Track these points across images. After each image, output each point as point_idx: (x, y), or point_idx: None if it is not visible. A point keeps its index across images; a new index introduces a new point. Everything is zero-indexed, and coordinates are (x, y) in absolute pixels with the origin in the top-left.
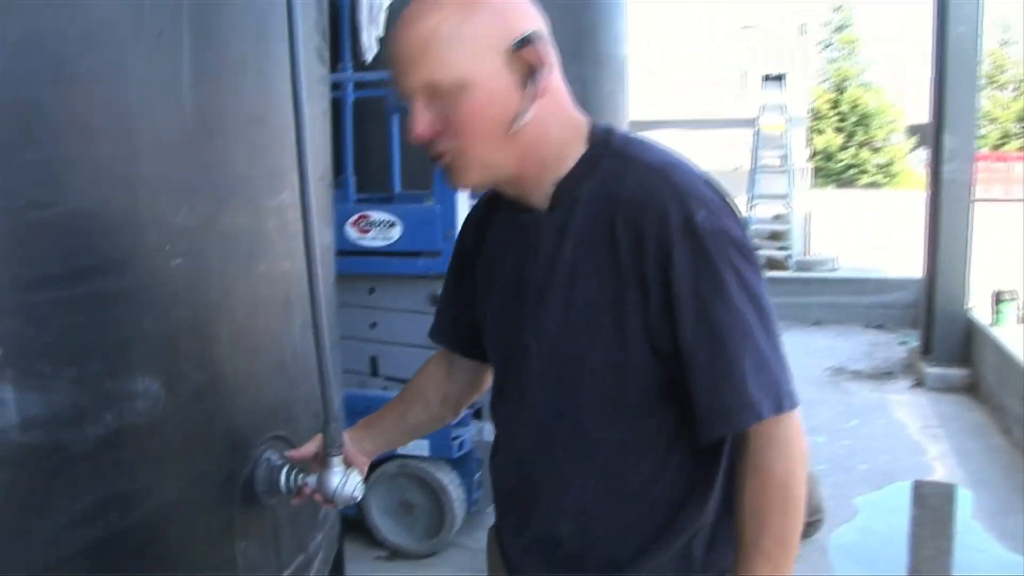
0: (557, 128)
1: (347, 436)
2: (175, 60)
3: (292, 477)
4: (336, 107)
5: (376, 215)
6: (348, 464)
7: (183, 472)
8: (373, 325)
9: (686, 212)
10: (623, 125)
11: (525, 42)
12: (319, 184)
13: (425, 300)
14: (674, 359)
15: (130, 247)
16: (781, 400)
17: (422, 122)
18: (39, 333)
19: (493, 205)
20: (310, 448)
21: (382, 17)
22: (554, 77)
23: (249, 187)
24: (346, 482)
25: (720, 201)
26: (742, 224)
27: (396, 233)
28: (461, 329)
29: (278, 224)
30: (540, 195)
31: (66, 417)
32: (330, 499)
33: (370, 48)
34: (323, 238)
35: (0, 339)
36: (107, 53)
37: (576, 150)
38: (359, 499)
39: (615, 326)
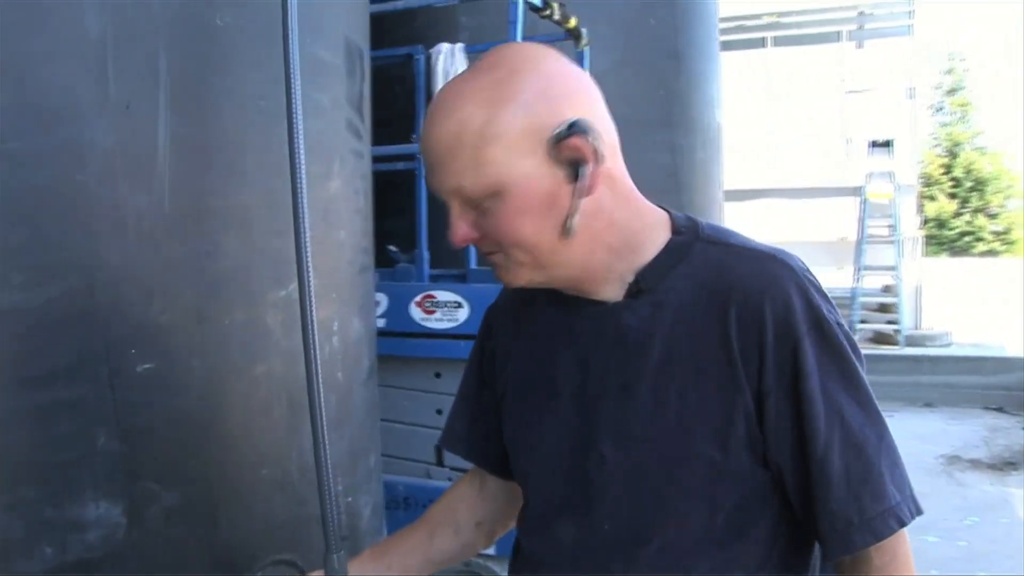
0: (625, 215)
1: (355, 565)
2: (149, 134)
3: None
4: (411, 180)
5: (442, 295)
6: None
7: None
8: (439, 412)
9: (810, 304)
10: (718, 194)
11: (567, 133)
12: (347, 268)
13: None
14: (788, 470)
15: (83, 349)
16: (917, 504)
17: (460, 228)
18: None
19: (528, 297)
20: None
21: None
22: (615, 165)
23: (246, 279)
24: None
25: (823, 289)
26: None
27: (463, 315)
28: (489, 441)
29: (284, 319)
30: (613, 285)
31: None
32: None
33: None
34: (348, 329)
35: None
36: (65, 127)
37: (658, 237)
38: None
39: (719, 430)
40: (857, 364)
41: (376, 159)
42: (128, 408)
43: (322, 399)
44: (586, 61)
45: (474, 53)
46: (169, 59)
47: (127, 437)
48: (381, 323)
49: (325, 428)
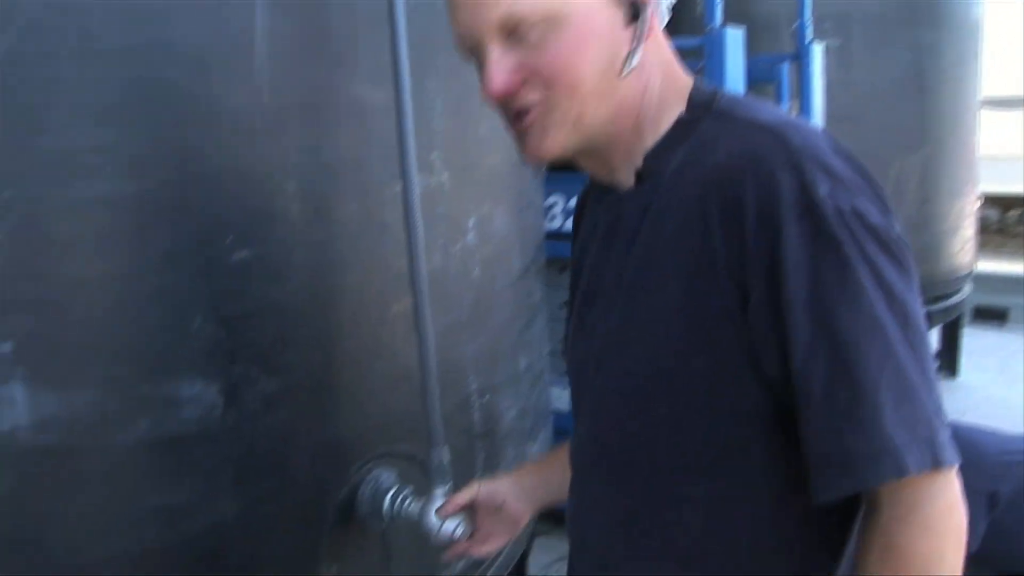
0: (659, 81)
1: (512, 479)
2: (246, 28)
3: (398, 503)
4: None
5: None
6: (505, 511)
7: (248, 488)
8: None
9: (803, 182)
10: (972, 101)
11: None
12: (491, 163)
13: None
14: (785, 385)
15: (177, 239)
16: (936, 450)
17: (501, 71)
18: (57, 328)
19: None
20: (463, 498)
21: None
22: (657, 18)
23: (359, 171)
24: (445, 521)
25: (856, 176)
26: (888, 211)
27: None
28: None
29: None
30: (628, 168)
31: (87, 421)
32: (429, 537)
33: (664, 16)
34: (489, 225)
35: (10, 332)
36: (155, 23)
37: (673, 113)
38: (458, 541)
39: (706, 335)
40: (877, 266)
41: None
42: (225, 295)
43: (426, 290)
44: None
45: None
46: None
47: (224, 322)
48: (555, 224)
49: (429, 319)
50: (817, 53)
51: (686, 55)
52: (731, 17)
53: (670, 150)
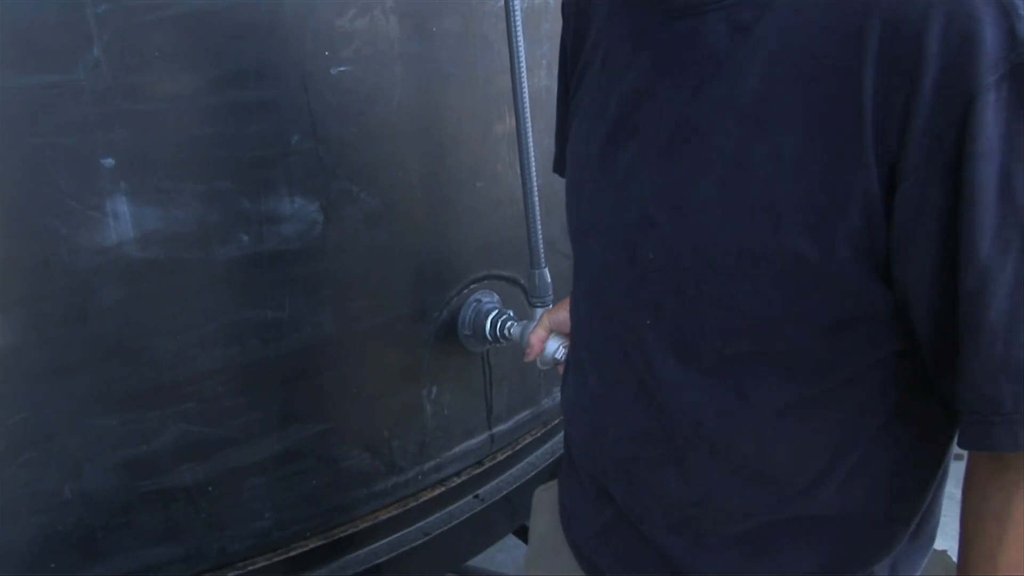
0: None
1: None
2: None
3: (500, 325)
4: None
5: None
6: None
7: (347, 304)
8: None
9: (1013, 38)
10: None
11: None
12: None
13: None
14: (921, 300)
15: (272, 54)
16: None
17: None
18: (158, 143)
19: None
20: (561, 318)
21: None
22: None
23: None
24: (547, 341)
25: None
26: None
27: None
28: None
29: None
30: None
31: (190, 235)
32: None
33: None
34: None
35: (111, 147)
36: None
37: None
38: (561, 362)
39: (821, 216)
40: None
41: None
42: (324, 111)
43: (528, 110)
44: None
45: None
46: None
47: (323, 139)
48: None
49: (531, 139)
50: None
51: None
52: None
53: None
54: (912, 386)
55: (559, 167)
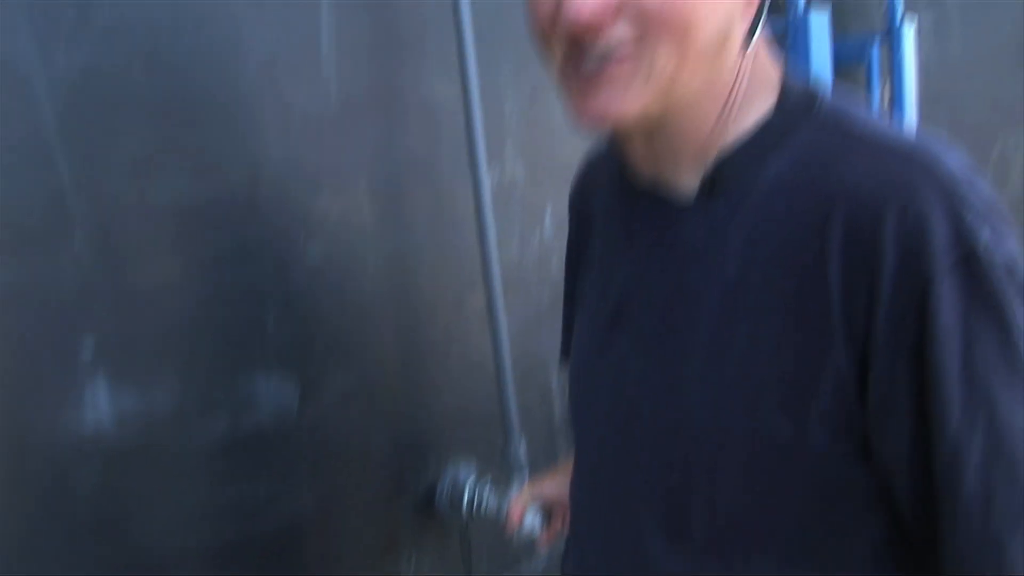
0: (750, 64)
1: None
2: (311, 30)
3: (477, 498)
4: None
5: None
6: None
7: (324, 482)
8: None
9: (962, 228)
10: None
11: None
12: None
13: None
14: (900, 473)
15: (248, 238)
16: None
17: None
18: (137, 327)
19: (600, 165)
20: (538, 491)
21: None
22: None
23: (431, 166)
24: (525, 515)
25: (998, 208)
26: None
27: None
28: None
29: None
30: (689, 170)
31: (167, 418)
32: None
33: None
34: None
35: (91, 333)
36: (220, 27)
37: (758, 109)
38: (536, 537)
39: (794, 395)
40: None
41: None
42: (299, 293)
43: (499, 283)
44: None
45: None
46: None
47: (300, 319)
48: None
49: (502, 312)
50: (909, 32)
51: (770, 40)
52: None
53: (757, 158)
54: (903, 563)
55: (566, 353)
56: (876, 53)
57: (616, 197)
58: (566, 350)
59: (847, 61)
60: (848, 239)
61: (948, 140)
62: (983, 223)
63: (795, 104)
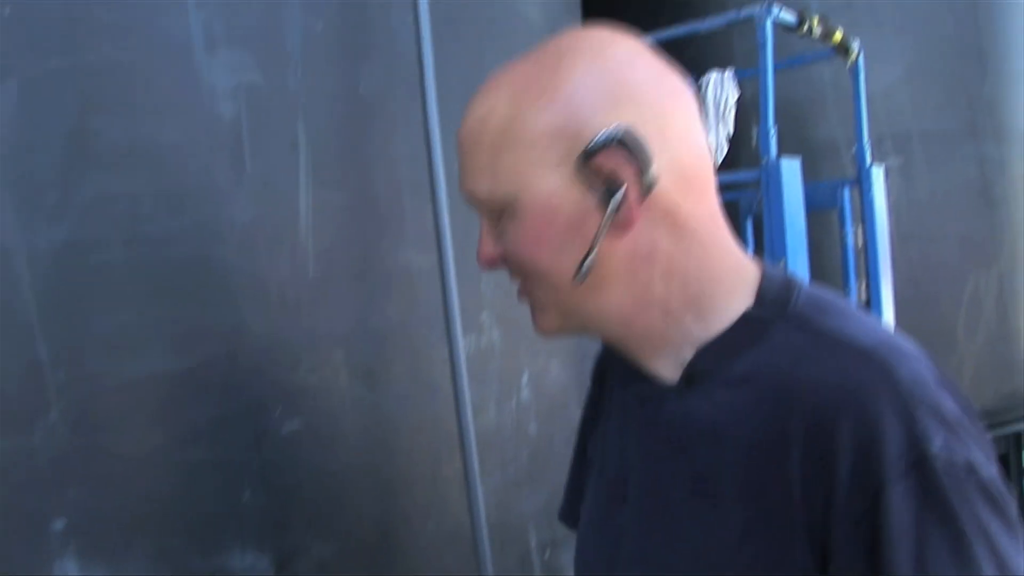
0: (693, 266)
1: None
2: (290, 204)
3: None
4: None
5: None
6: None
7: None
8: None
9: (914, 432)
10: None
11: (600, 145)
12: None
13: None
14: None
15: (226, 411)
16: None
17: (486, 244)
18: (110, 503)
19: (608, 356)
20: None
21: (730, 115)
22: (684, 200)
23: (409, 336)
24: None
25: (963, 414)
26: (991, 454)
27: None
28: None
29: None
30: (669, 359)
31: None
32: None
33: (720, 148)
34: (544, 378)
35: (62, 509)
36: (202, 206)
37: (734, 305)
38: None
39: None
40: (990, 534)
41: None
42: (275, 466)
43: (475, 450)
44: (861, 77)
45: (744, 79)
46: (308, 131)
47: (275, 492)
48: None
49: (478, 478)
50: (878, 176)
51: (745, 188)
52: (789, 145)
53: (732, 353)
54: None
55: (565, 516)
56: (847, 196)
57: (617, 375)
58: (567, 513)
59: (819, 205)
60: (808, 438)
61: (916, 343)
62: (939, 427)
63: (772, 300)
